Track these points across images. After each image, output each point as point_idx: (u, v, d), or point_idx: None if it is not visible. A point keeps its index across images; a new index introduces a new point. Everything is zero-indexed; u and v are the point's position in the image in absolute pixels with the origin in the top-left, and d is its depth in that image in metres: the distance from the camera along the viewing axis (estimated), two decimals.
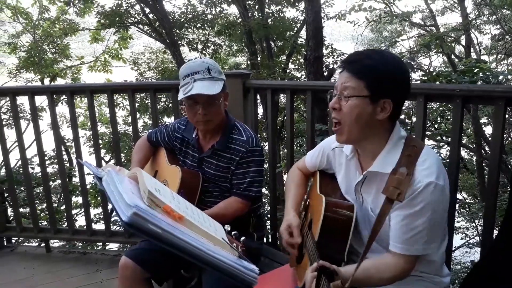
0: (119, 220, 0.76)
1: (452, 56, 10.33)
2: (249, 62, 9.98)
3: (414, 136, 1.42)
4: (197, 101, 1.73)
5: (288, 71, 9.77)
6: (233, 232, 1.31)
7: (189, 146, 1.94)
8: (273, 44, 9.95)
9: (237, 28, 9.50)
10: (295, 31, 9.71)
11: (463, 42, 10.19)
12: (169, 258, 1.81)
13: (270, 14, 9.43)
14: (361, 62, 1.20)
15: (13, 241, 3.51)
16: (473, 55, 10.05)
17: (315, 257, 1.22)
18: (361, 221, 1.36)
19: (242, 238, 1.30)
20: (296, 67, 10.38)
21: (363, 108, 1.19)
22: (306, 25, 5.59)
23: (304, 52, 6.74)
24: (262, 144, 2.38)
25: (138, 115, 9.71)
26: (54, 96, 2.87)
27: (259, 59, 9.38)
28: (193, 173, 1.88)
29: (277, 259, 1.93)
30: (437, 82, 2.87)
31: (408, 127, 3.04)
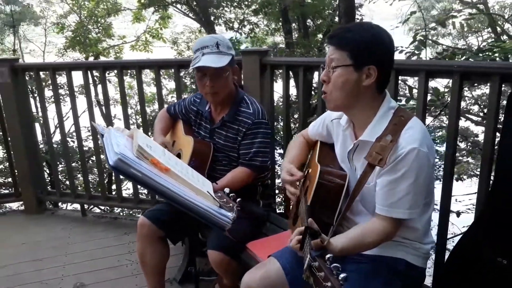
0: (107, 165, 0.95)
1: (505, 37, 9.68)
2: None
3: (406, 109, 1.48)
4: (205, 74, 1.86)
5: (324, 50, 9.64)
6: (231, 194, 1.44)
7: (202, 118, 2.08)
8: (312, 23, 9.81)
9: (274, 7, 9.44)
10: (332, 10, 9.52)
11: None
12: (183, 220, 1.98)
13: None
14: (342, 34, 1.29)
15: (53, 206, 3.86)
16: None
17: (305, 219, 1.33)
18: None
19: (238, 199, 1.43)
20: None
21: (348, 76, 1.28)
22: (338, 2, 5.51)
23: None
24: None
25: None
26: (105, 73, 3.12)
27: (295, 38, 9.30)
28: (205, 143, 2.02)
29: (282, 226, 2.05)
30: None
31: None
